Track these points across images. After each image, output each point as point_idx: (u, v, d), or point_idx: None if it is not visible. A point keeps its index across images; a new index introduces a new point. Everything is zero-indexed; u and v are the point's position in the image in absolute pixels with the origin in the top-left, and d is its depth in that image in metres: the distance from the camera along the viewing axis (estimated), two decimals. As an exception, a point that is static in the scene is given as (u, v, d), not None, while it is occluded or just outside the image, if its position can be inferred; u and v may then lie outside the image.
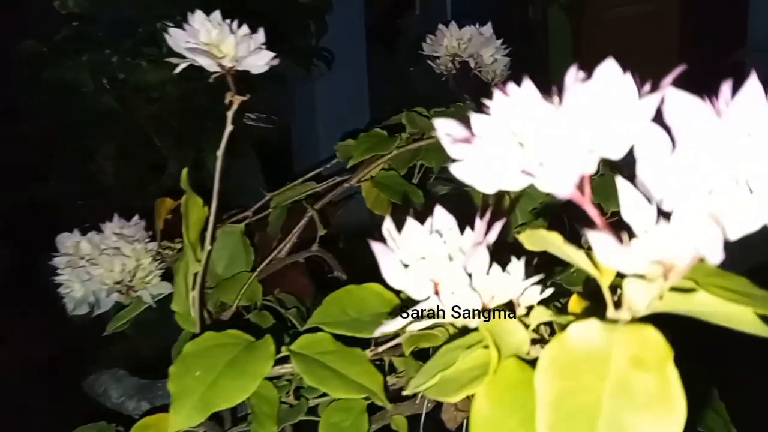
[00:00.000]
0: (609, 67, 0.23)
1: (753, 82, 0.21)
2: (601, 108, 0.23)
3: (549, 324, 0.33)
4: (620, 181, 0.22)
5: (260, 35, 0.51)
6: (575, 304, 0.34)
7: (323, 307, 0.43)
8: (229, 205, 0.78)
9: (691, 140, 0.21)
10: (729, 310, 0.26)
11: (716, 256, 0.19)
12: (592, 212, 0.25)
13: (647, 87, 0.24)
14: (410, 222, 0.31)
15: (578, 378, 0.24)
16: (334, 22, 1.18)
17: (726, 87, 0.22)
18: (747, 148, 0.20)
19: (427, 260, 0.30)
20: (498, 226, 0.32)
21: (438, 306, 0.30)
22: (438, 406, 0.56)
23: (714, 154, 0.20)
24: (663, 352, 0.23)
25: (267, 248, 0.73)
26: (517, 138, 0.23)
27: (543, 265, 0.38)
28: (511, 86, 0.24)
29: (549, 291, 0.31)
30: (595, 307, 0.31)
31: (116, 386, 0.95)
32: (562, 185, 0.22)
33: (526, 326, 0.32)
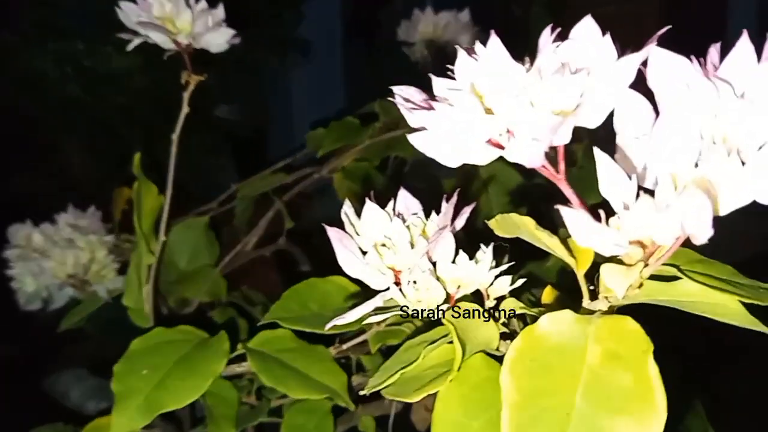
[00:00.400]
0: (587, 26, 0.21)
1: (744, 41, 0.19)
2: (576, 70, 0.20)
3: (522, 317, 0.31)
4: (597, 152, 0.19)
5: (220, 11, 0.48)
6: (549, 295, 0.31)
7: (282, 302, 0.40)
8: (195, 196, 0.75)
9: (677, 104, 0.18)
10: (714, 300, 0.24)
11: (704, 232, 0.17)
12: (567, 191, 0.22)
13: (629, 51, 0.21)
14: (369, 205, 0.28)
15: (549, 376, 0.21)
16: (309, 12, 1.15)
17: (713, 49, 0.20)
18: (739, 110, 0.18)
19: (387, 247, 0.27)
20: (467, 211, 0.30)
21: (399, 297, 0.27)
22: (408, 406, 0.54)
23: (702, 118, 0.18)
24: (642, 346, 0.21)
25: (236, 242, 0.70)
26: (483, 103, 0.20)
27: (518, 255, 0.36)
28: (477, 46, 0.21)
29: (520, 281, 0.29)
30: (571, 299, 0.29)
31: (77, 386, 0.91)
32: (532, 156, 0.19)
33: (496, 319, 0.29)
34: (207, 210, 0.69)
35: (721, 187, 0.18)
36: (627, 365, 0.21)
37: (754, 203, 0.19)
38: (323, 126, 0.71)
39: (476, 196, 0.58)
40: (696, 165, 0.18)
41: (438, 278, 0.27)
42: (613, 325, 0.22)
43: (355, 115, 0.69)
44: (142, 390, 0.38)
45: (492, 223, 0.28)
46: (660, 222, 0.18)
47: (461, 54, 0.21)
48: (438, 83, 0.21)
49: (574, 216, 0.18)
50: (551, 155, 0.23)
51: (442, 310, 0.27)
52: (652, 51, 0.19)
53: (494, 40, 0.20)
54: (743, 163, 0.18)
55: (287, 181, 0.68)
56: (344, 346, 0.44)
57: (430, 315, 0.27)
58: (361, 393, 0.29)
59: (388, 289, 0.27)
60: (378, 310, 0.28)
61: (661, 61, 0.19)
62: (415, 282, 0.27)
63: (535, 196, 0.55)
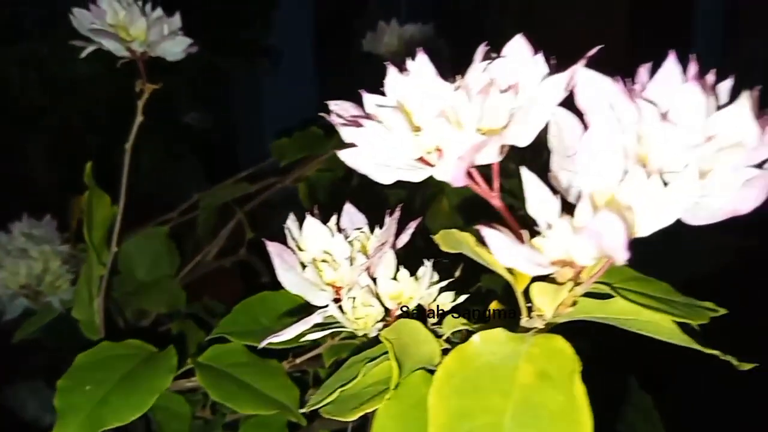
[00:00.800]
0: (518, 44, 0.21)
1: (671, 61, 0.19)
2: (508, 88, 0.20)
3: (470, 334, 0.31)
4: (524, 171, 0.19)
5: (176, 19, 0.47)
6: (497, 306, 0.31)
7: (232, 315, 0.40)
8: (164, 204, 0.73)
9: (600, 124, 0.18)
10: (647, 318, 0.24)
11: (620, 254, 0.17)
12: (500, 206, 0.22)
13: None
14: (309, 220, 0.27)
15: (478, 396, 0.21)
16: (281, 19, 1.15)
17: (643, 69, 0.20)
18: (660, 131, 0.18)
19: (327, 263, 0.27)
20: (412, 226, 0.29)
21: (337, 314, 0.26)
22: (366, 420, 0.53)
23: (624, 138, 0.18)
24: (570, 366, 0.21)
25: (199, 252, 0.69)
26: (412, 120, 0.20)
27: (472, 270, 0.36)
28: (408, 61, 0.21)
29: (463, 297, 0.28)
30: (516, 315, 0.28)
31: (33, 399, 0.89)
32: (457, 175, 0.19)
33: (439, 336, 0.29)
34: (168, 219, 0.68)
35: (642, 208, 0.18)
36: (556, 385, 0.21)
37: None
38: (288, 135, 0.70)
39: (438, 205, 0.58)
40: (618, 186, 0.18)
41: (378, 294, 0.27)
42: (544, 344, 0.22)
43: (319, 125, 0.69)
44: (84, 406, 0.37)
45: (436, 238, 0.28)
46: (577, 243, 0.18)
47: (390, 70, 0.20)
48: (368, 99, 0.21)
49: (493, 236, 0.18)
50: (487, 172, 0.23)
51: (377, 327, 0.26)
52: (579, 71, 0.19)
53: (421, 57, 0.20)
54: (665, 184, 0.18)
55: (250, 191, 0.67)
56: (298, 360, 0.43)
57: (368, 332, 0.26)
58: (301, 411, 0.28)
59: (327, 305, 0.27)
60: (318, 327, 0.27)
61: (587, 82, 0.19)
62: (354, 298, 0.26)
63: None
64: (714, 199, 0.19)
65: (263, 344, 0.28)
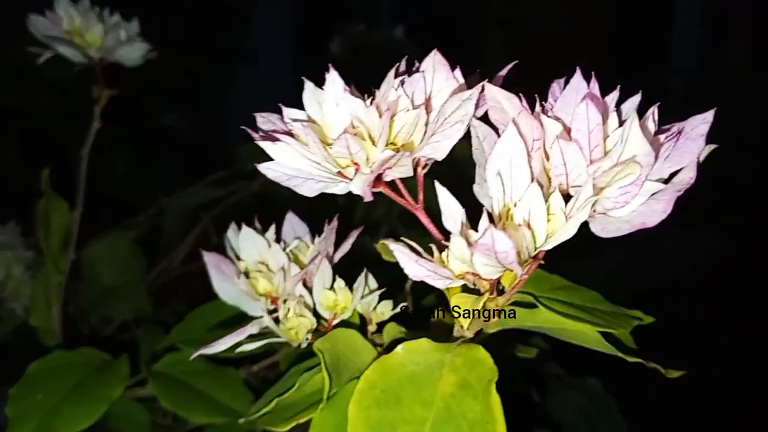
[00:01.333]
0: (434, 60, 0.21)
1: (575, 80, 0.19)
2: (426, 102, 0.20)
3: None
4: (438, 186, 0.19)
5: (134, 25, 0.47)
6: (440, 317, 0.31)
7: (185, 323, 0.40)
8: (139, 207, 0.73)
9: (504, 140, 0.18)
10: (573, 327, 0.24)
11: (516, 269, 0.17)
12: (425, 219, 0.22)
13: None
14: (246, 230, 0.28)
15: (400, 406, 0.21)
16: (260, 21, 1.14)
17: (555, 84, 0.20)
18: (560, 148, 0.18)
19: (263, 273, 0.27)
20: (353, 235, 0.29)
21: (271, 325, 0.27)
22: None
23: (524, 154, 0.18)
24: (489, 375, 0.21)
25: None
26: (327, 135, 0.20)
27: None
28: (329, 76, 0.21)
29: (402, 305, 0.29)
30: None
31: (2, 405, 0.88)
32: (366, 189, 0.19)
33: (379, 345, 0.29)
34: (135, 223, 0.67)
35: (539, 224, 0.18)
36: (476, 394, 0.21)
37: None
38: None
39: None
40: (519, 201, 0.18)
41: (308, 305, 0.27)
42: (466, 353, 0.22)
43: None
44: (35, 415, 0.37)
45: (378, 248, 0.28)
46: (474, 257, 0.18)
47: (307, 85, 0.21)
48: (286, 113, 0.21)
49: (398, 251, 0.19)
50: (413, 185, 0.23)
51: (307, 338, 0.26)
52: (486, 88, 0.20)
53: (332, 74, 0.20)
54: (566, 199, 0.18)
55: (218, 196, 0.67)
56: (255, 367, 0.43)
57: (300, 343, 0.26)
58: (240, 421, 0.29)
59: (261, 316, 0.27)
60: (254, 337, 0.28)
61: (494, 98, 0.19)
62: (289, 308, 0.26)
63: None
64: (621, 213, 0.19)
65: (194, 356, 0.28)
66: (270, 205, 0.67)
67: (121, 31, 0.46)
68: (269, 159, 0.21)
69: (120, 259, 0.64)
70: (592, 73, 0.19)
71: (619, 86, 0.19)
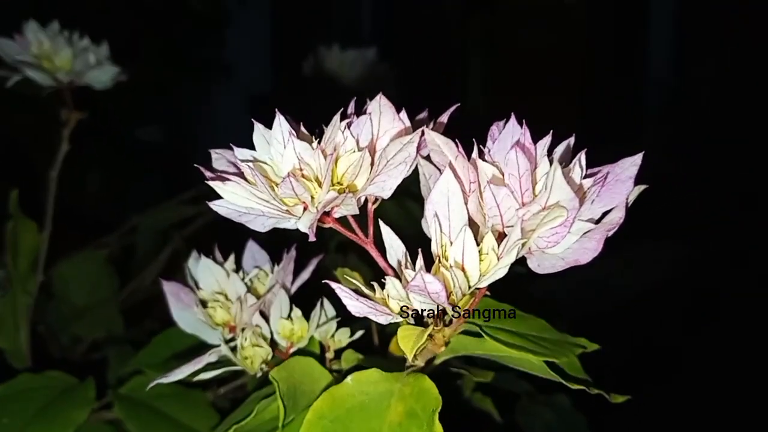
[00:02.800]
0: (379, 103, 0.22)
1: (510, 126, 0.20)
2: (366, 143, 0.21)
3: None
4: (382, 224, 0.20)
5: (104, 48, 0.47)
6: (395, 345, 0.32)
7: (150, 348, 0.40)
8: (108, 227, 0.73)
9: (441, 184, 0.19)
10: (519, 356, 0.25)
11: (448, 309, 0.18)
12: (374, 252, 0.23)
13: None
14: (204, 260, 0.28)
15: (347, 436, 0.22)
16: (236, 36, 1.15)
17: (495, 127, 0.21)
18: (492, 192, 0.19)
19: (221, 302, 0.28)
20: (313, 263, 0.30)
21: (228, 353, 0.27)
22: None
23: (459, 197, 0.19)
24: (433, 404, 0.22)
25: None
26: (275, 175, 0.21)
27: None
28: (276, 119, 0.22)
29: (359, 333, 0.29)
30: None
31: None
32: (311, 229, 0.20)
33: (337, 371, 0.30)
34: (107, 242, 0.67)
35: (472, 265, 0.19)
36: (420, 424, 0.22)
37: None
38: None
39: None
40: (453, 242, 0.19)
41: (272, 333, 0.28)
42: (414, 383, 0.23)
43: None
44: (0, 440, 0.37)
45: (338, 274, 0.29)
46: (411, 296, 0.19)
47: (257, 126, 0.21)
48: (237, 152, 0.21)
49: (340, 291, 0.19)
50: (363, 220, 0.24)
51: (262, 368, 0.27)
52: (426, 133, 0.21)
53: (279, 118, 0.21)
54: (499, 240, 0.19)
55: (190, 214, 0.67)
56: (222, 390, 0.44)
57: (256, 372, 0.27)
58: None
59: (218, 345, 0.27)
60: (213, 365, 0.28)
61: (434, 142, 0.20)
62: (246, 338, 0.27)
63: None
64: (555, 250, 0.20)
65: (152, 384, 0.28)
66: (242, 225, 0.67)
67: (90, 55, 0.47)
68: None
69: (92, 278, 0.64)
70: (524, 120, 0.20)
71: (551, 131, 0.20)
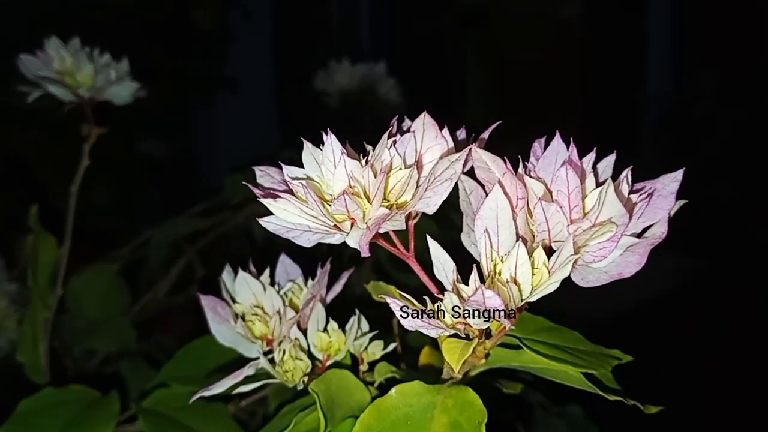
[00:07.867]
0: (423, 121, 0.22)
1: (554, 144, 0.21)
2: (410, 160, 0.22)
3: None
4: (430, 240, 0.21)
5: (124, 64, 0.48)
6: (427, 356, 0.33)
7: (175, 361, 0.40)
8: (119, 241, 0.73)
9: (490, 200, 0.20)
10: (556, 367, 0.25)
11: (506, 323, 0.18)
12: (416, 267, 0.24)
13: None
14: (242, 274, 0.29)
15: (394, 448, 0.22)
16: (240, 52, 1.16)
17: (537, 144, 0.22)
18: (541, 208, 0.20)
19: (258, 316, 0.28)
20: (345, 276, 0.31)
21: (268, 367, 0.27)
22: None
23: (508, 213, 0.20)
24: (479, 416, 0.22)
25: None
26: (325, 192, 0.21)
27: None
28: (326, 137, 0.22)
29: (392, 345, 0.30)
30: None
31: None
32: (363, 245, 0.21)
33: (370, 383, 0.30)
34: (119, 255, 0.67)
35: (524, 280, 0.19)
36: (466, 436, 0.22)
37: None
38: (242, 170, 0.71)
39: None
40: (505, 257, 0.20)
41: (302, 347, 0.28)
42: (457, 395, 0.23)
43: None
44: (26, 454, 0.37)
45: (369, 288, 0.29)
46: (467, 310, 0.19)
47: (306, 146, 0.22)
48: (286, 171, 0.22)
49: (393, 305, 0.20)
50: (404, 234, 0.25)
51: (303, 380, 0.27)
52: (474, 151, 0.21)
53: (330, 137, 0.21)
54: (549, 252, 0.19)
55: (203, 227, 0.67)
56: (243, 403, 0.44)
57: (296, 385, 0.27)
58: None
59: (257, 357, 0.28)
60: (250, 379, 0.28)
61: (481, 159, 0.21)
62: (284, 351, 0.27)
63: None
64: (600, 264, 0.21)
65: (193, 399, 0.28)
66: (254, 238, 0.68)
67: (111, 71, 0.47)
68: (260, 203, 0.22)
69: (104, 292, 0.64)
70: (571, 139, 0.21)
71: (595, 148, 0.21)
